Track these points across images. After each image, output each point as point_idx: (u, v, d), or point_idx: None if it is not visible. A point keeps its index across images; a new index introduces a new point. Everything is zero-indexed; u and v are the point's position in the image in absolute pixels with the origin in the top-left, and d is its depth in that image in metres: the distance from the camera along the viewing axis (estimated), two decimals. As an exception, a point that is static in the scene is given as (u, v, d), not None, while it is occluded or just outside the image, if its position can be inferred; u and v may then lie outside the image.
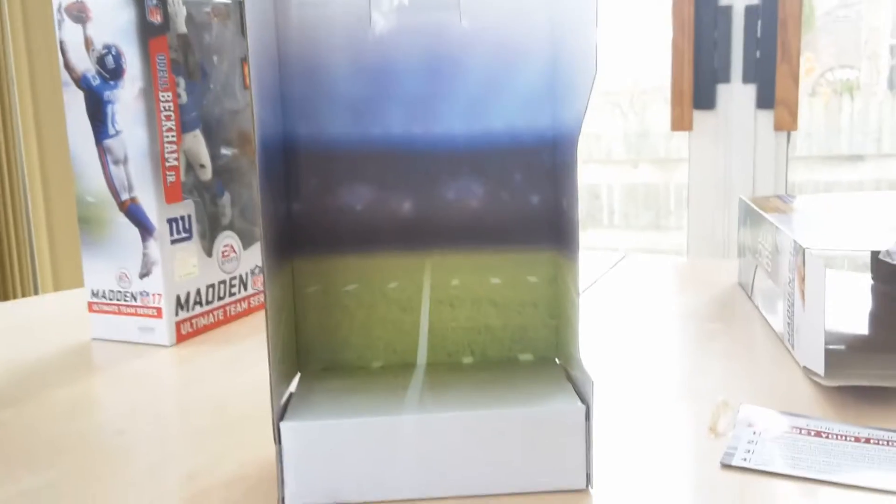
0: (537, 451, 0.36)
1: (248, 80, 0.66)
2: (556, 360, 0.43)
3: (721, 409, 0.44)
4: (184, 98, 0.60)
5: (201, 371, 0.54)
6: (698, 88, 1.23)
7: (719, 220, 1.32)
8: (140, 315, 0.60)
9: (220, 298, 0.64)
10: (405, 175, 0.41)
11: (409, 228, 0.41)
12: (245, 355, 0.57)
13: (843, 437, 0.41)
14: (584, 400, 0.37)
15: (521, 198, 0.41)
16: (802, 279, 0.49)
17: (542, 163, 0.41)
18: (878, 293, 0.67)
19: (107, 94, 0.58)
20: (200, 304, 0.62)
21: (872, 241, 0.50)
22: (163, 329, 0.59)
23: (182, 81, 0.60)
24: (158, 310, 0.59)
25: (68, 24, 0.58)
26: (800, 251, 0.50)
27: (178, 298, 0.60)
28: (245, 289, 0.66)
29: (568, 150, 0.38)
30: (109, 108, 0.58)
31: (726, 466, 0.39)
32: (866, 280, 0.71)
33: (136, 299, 0.60)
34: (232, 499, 0.37)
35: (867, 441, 0.40)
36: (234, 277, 0.65)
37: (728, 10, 1.21)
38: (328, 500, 0.36)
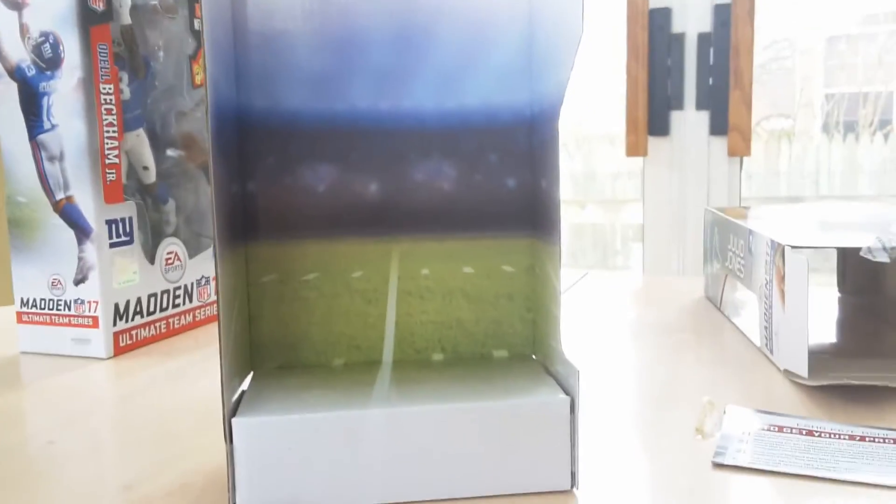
0: (518, 449, 0.33)
1: (196, 79, 0.63)
2: (533, 356, 0.40)
3: (707, 410, 0.41)
4: (127, 94, 0.56)
5: (141, 384, 0.50)
6: (652, 115, 1.23)
7: (675, 247, 1.31)
8: (74, 325, 0.55)
9: (162, 309, 0.59)
10: (371, 154, 0.38)
11: (375, 212, 0.38)
12: (189, 369, 0.53)
13: (837, 436, 0.38)
14: (568, 392, 0.34)
15: (497, 180, 0.38)
16: (782, 279, 0.47)
17: (520, 143, 0.38)
18: (845, 304, 0.65)
19: (42, 84, 0.53)
20: (141, 314, 0.57)
21: (844, 240, 0.48)
22: (99, 340, 0.54)
23: (125, 77, 0.56)
24: (94, 319, 0.54)
25: (2, 10, 0.54)
26: (778, 250, 0.48)
27: (117, 307, 0.55)
28: (190, 300, 0.62)
29: (548, 126, 0.35)
30: (45, 101, 0.54)
31: (718, 466, 0.36)
32: (827, 293, 0.69)
33: (69, 308, 0.55)
34: (175, 509, 0.33)
35: (862, 439, 0.38)
36: (179, 287, 0.61)
37: (681, 37, 1.21)
38: (285, 507, 0.32)
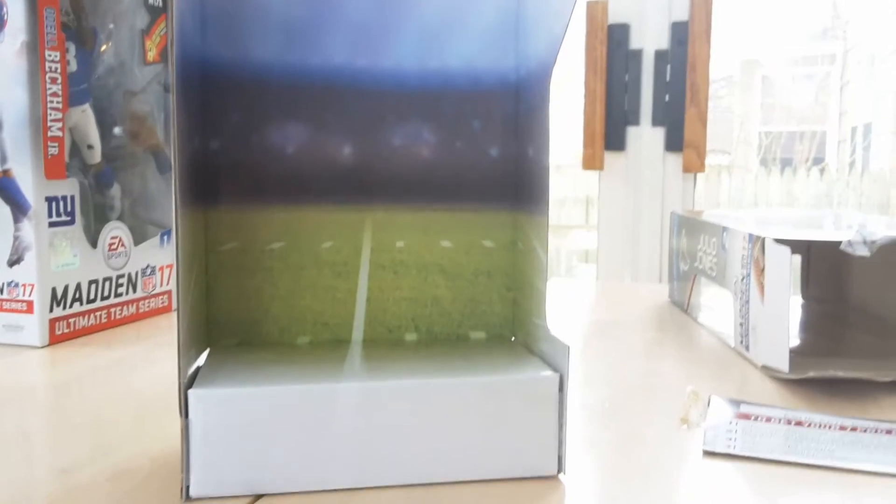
0: (502, 431, 0.30)
1: (148, 56, 0.59)
2: (512, 338, 0.37)
3: (692, 400, 0.39)
4: (73, 66, 0.53)
5: (78, 373, 0.46)
6: (609, 130, 1.23)
7: (628, 259, 1.31)
8: (6, 311, 0.51)
9: (104, 298, 0.55)
10: (346, 114, 0.35)
11: (349, 178, 0.35)
12: (131, 360, 0.49)
13: (827, 427, 0.37)
14: (556, 369, 0.31)
15: (479, 149, 0.36)
16: (761, 272, 0.46)
17: (504, 110, 0.36)
18: (809, 310, 0.65)
19: (-19, 48, 0.49)
20: (80, 301, 0.53)
21: (821, 234, 0.47)
22: (33, 326, 0.50)
23: (73, 47, 0.52)
24: (29, 303, 0.50)
25: (-61, -33, 0.50)
26: (757, 242, 0.47)
27: (54, 292, 0.51)
28: (134, 290, 0.58)
29: (538, 88, 0.33)
30: (-17, 66, 0.50)
31: (709, 454, 0.34)
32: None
33: (2, 291, 0.50)
34: (119, 493, 0.29)
35: (853, 429, 0.36)
36: (122, 276, 0.57)
37: (639, 53, 1.22)
38: (244, 490, 0.29)
